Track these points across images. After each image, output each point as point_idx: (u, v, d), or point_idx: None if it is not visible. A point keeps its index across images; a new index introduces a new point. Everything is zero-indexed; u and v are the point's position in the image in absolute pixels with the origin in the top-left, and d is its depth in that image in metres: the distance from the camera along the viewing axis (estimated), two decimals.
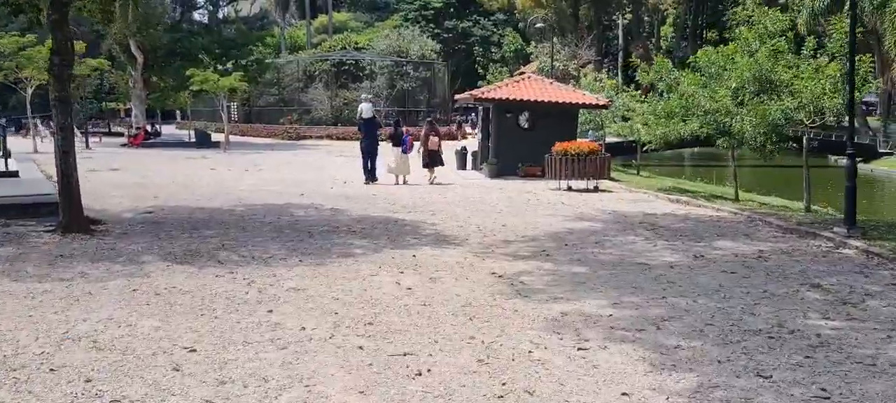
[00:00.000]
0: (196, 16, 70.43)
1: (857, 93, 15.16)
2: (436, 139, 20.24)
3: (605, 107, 23.12)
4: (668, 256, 9.86)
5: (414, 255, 9.55)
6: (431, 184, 19.47)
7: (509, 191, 18.14)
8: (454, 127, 44.50)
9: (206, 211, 13.38)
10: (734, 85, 16.23)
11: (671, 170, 34.10)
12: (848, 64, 14.57)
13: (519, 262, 9.28)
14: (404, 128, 21.57)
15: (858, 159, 38.61)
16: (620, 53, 69.07)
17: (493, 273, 8.61)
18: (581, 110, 24.80)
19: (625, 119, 28.01)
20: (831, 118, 15.49)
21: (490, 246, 10.51)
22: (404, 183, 19.66)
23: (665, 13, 76.00)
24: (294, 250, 9.75)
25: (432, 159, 20.07)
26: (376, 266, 8.88)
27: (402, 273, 8.53)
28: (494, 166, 21.63)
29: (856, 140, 34.59)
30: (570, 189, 18.72)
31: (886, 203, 26.64)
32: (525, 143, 21.56)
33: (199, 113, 55.72)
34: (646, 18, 74.90)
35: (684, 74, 18.38)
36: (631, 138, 27.70)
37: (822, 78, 14.64)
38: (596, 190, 18.71)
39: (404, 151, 19.85)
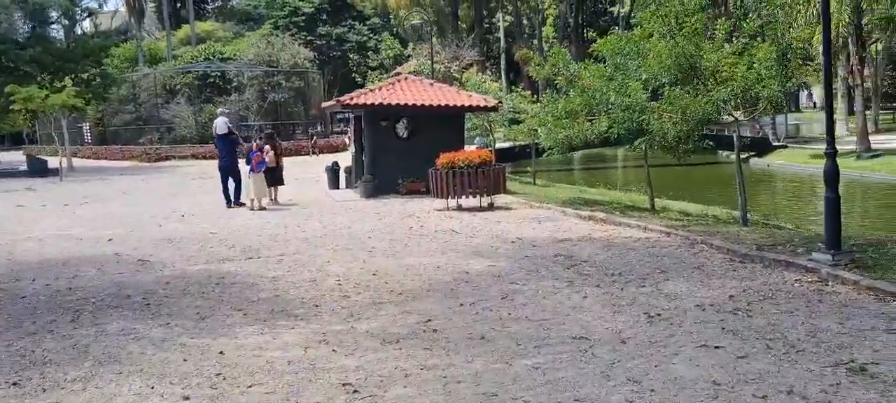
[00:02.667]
0: (53, 31, 63.33)
1: (790, 81, 12.78)
2: (277, 155, 17.36)
3: (494, 109, 20.13)
4: (610, 317, 6.71)
5: (222, 352, 5.99)
6: (273, 202, 17.12)
7: (387, 215, 14.78)
8: (310, 141, 40.27)
9: None
10: (646, 75, 13.55)
11: (564, 176, 31.63)
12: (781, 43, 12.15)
13: (389, 351, 5.90)
14: (254, 143, 17.86)
15: (751, 154, 37.47)
16: (502, 55, 67.21)
17: (345, 383, 5.19)
18: (468, 115, 21.85)
19: (515, 122, 25.20)
20: (768, 108, 12.93)
21: (350, 315, 7.08)
22: (261, 208, 16.25)
23: (545, 14, 74.93)
24: (22, 356, 5.99)
25: (273, 177, 17.15)
26: (148, 382, 5.29)
27: (186, 400, 4.98)
28: (370, 184, 18.21)
29: (744, 135, 32.79)
30: (460, 208, 15.59)
31: (793, 198, 24.99)
32: (405, 155, 18.34)
33: (49, 136, 49.54)
34: (525, 21, 73.39)
35: (585, 66, 15.63)
36: (523, 143, 24.85)
37: (754, 61, 12.04)
38: (491, 207, 15.64)
39: (252, 170, 16.50)
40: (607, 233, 11.70)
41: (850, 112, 46.77)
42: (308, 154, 37.23)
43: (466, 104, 19.21)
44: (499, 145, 28.60)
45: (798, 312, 6.69)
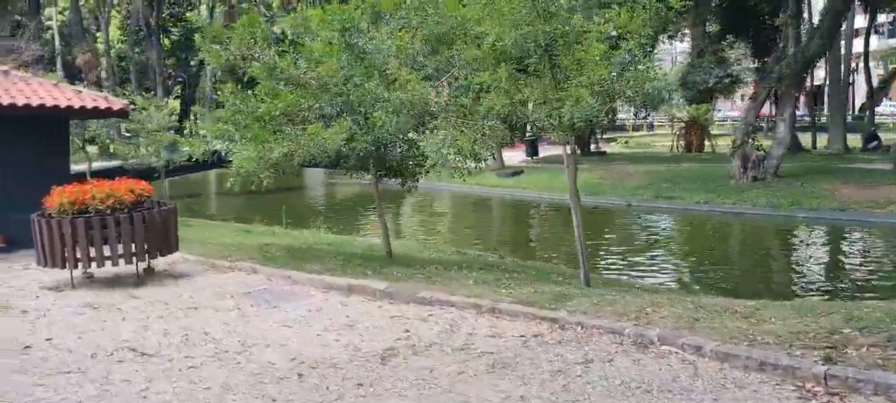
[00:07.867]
0: None
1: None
2: None
3: (122, 113, 13.04)
4: None
5: None
6: None
7: None
8: None
9: None
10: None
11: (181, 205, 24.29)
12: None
13: None
14: None
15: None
16: (58, 58, 55.86)
17: None
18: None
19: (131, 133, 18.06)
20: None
21: None
22: None
23: (111, 13, 64.50)
24: None
25: None
26: None
27: None
28: None
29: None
30: (91, 278, 8.89)
31: (438, 217, 22.15)
32: None
33: None
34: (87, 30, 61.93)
35: (293, 43, 10.16)
36: (152, 162, 17.50)
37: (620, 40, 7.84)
38: (150, 274, 9.20)
39: None
40: (478, 330, 6.36)
41: None
42: None
43: (77, 105, 11.96)
44: (97, 165, 20.75)
45: None
